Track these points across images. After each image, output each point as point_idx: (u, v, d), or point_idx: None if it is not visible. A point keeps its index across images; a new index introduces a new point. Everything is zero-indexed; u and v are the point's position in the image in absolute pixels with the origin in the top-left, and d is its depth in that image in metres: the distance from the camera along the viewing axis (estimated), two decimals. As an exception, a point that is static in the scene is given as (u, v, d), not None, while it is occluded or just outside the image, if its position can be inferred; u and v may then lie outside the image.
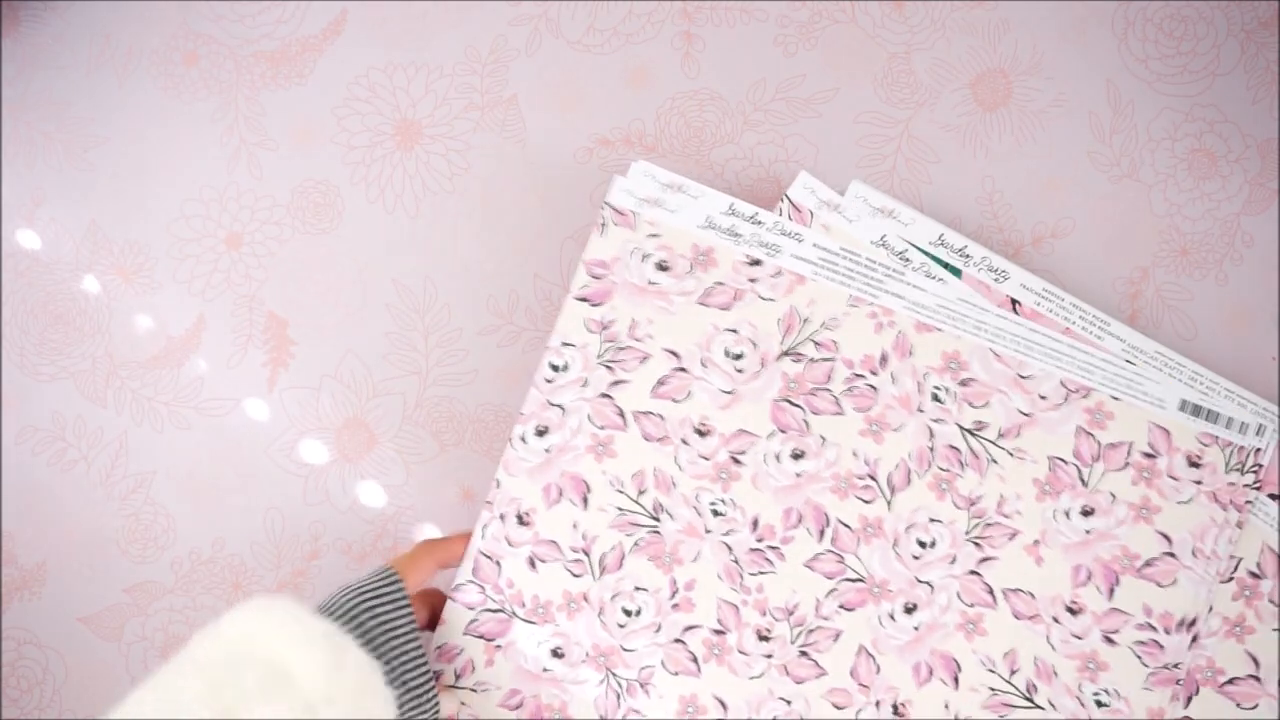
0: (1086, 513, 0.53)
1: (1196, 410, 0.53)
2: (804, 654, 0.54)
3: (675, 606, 0.54)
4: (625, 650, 0.54)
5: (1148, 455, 0.53)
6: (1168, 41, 0.60)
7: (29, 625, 0.65)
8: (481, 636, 0.55)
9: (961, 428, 0.54)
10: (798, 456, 0.54)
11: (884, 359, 0.54)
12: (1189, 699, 0.53)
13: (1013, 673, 0.53)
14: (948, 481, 0.54)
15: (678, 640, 0.54)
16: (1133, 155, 0.60)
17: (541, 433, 0.54)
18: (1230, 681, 0.53)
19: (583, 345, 0.54)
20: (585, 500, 0.54)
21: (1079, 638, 0.53)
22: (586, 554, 0.54)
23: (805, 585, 0.54)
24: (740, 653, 0.54)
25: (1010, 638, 0.53)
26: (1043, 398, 0.53)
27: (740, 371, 0.54)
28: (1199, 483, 0.53)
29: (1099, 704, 0.53)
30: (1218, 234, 0.59)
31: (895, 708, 0.54)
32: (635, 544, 0.54)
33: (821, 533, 0.54)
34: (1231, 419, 0.53)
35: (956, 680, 0.54)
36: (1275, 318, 0.58)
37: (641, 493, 0.54)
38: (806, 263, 0.54)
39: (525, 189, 0.63)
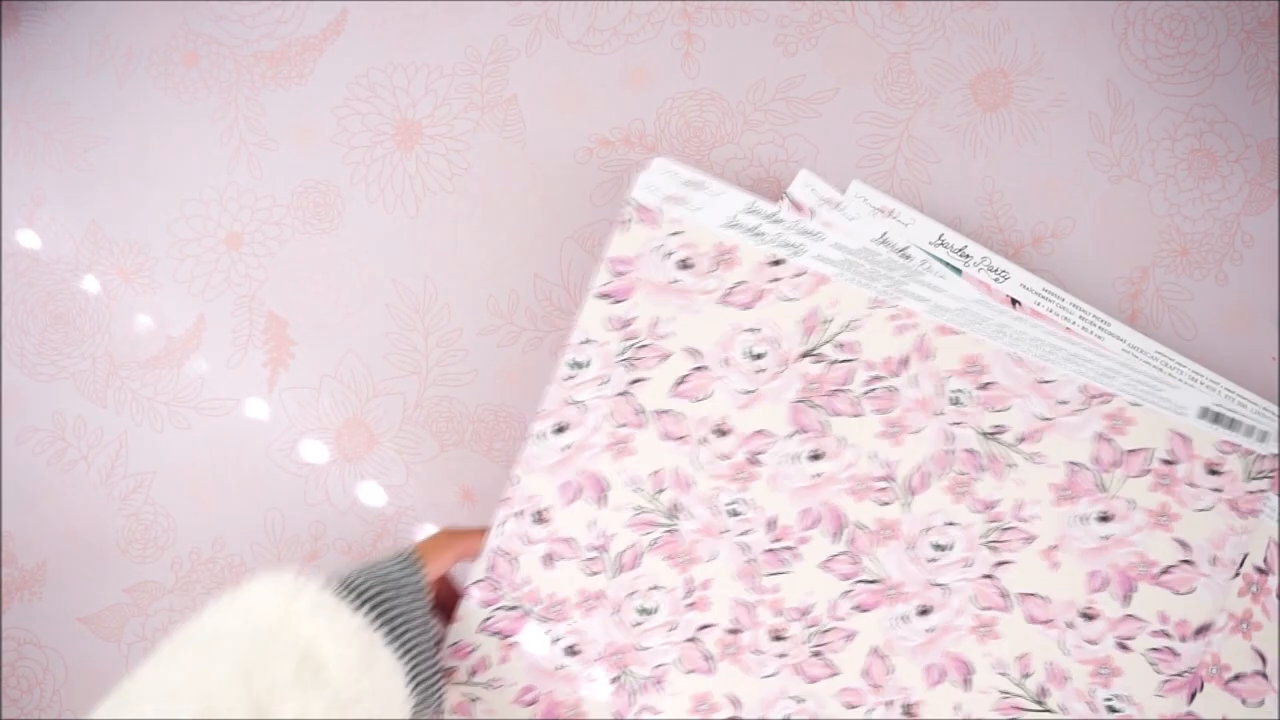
0: (1104, 518, 0.53)
1: (1217, 418, 0.53)
2: (817, 654, 0.54)
3: (690, 605, 0.54)
4: (640, 648, 0.54)
5: (1167, 462, 0.53)
6: (1168, 41, 0.60)
7: (29, 625, 0.65)
8: (496, 633, 0.55)
9: (980, 431, 0.54)
10: (816, 458, 0.54)
11: (905, 361, 0.54)
12: (1193, 695, 0.53)
13: (1025, 676, 0.53)
14: (965, 485, 0.54)
15: (692, 639, 0.54)
16: (1133, 155, 0.60)
17: (560, 430, 0.54)
18: (1236, 678, 0.53)
19: (603, 343, 0.54)
20: (603, 498, 0.54)
21: (1093, 643, 0.53)
22: (603, 552, 0.54)
23: (820, 586, 0.54)
24: (754, 652, 0.54)
25: (1023, 642, 0.53)
26: (1063, 403, 0.53)
27: (761, 372, 0.54)
28: (1218, 490, 0.53)
29: (1111, 710, 0.53)
30: (1218, 234, 0.59)
31: (906, 708, 0.54)
32: (652, 543, 0.54)
33: (838, 534, 0.54)
34: (1253, 427, 0.53)
35: (968, 682, 0.54)
36: (1275, 318, 0.58)
37: (659, 492, 0.54)
38: (829, 263, 0.54)
39: (525, 189, 0.63)
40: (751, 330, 0.54)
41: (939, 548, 0.54)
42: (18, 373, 0.66)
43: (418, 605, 0.48)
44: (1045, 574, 0.53)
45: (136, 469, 0.65)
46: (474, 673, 0.55)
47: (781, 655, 0.54)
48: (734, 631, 0.54)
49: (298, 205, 0.65)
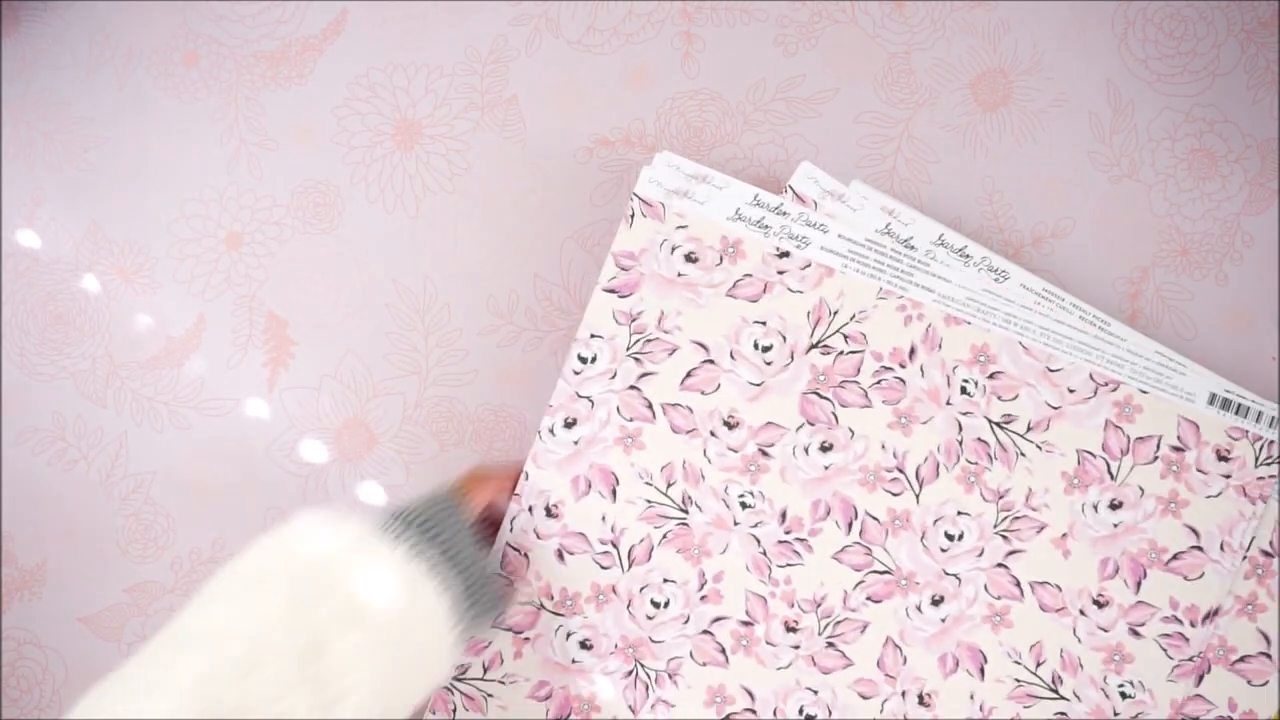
0: (1115, 506, 0.53)
1: (1226, 404, 0.53)
2: (831, 645, 0.54)
3: (703, 598, 0.54)
4: (654, 641, 0.54)
5: (1176, 449, 0.53)
6: (1168, 41, 0.60)
7: (29, 625, 0.65)
8: (510, 629, 0.55)
9: (990, 421, 0.54)
10: (826, 449, 0.54)
11: (913, 352, 0.54)
12: (1200, 677, 0.53)
13: (1038, 664, 0.54)
14: (976, 474, 0.54)
15: (706, 631, 0.54)
16: (1133, 155, 0.60)
17: (570, 425, 0.54)
18: (1242, 659, 0.53)
19: (611, 337, 0.54)
20: (614, 492, 0.54)
21: (1105, 630, 0.53)
22: (615, 546, 0.54)
23: (833, 577, 0.54)
24: (768, 644, 0.54)
25: (1036, 630, 0.53)
26: (1071, 391, 0.53)
27: (769, 364, 0.54)
28: (1228, 476, 0.53)
29: (1124, 696, 0.53)
30: (1218, 234, 0.59)
31: (921, 698, 0.54)
32: (664, 536, 0.54)
33: (850, 525, 0.54)
34: (1261, 413, 0.53)
35: (982, 671, 0.54)
36: (1275, 318, 0.58)
37: (670, 485, 0.54)
38: (835, 255, 0.54)
39: (525, 189, 0.63)
40: (759, 323, 0.54)
41: (951, 537, 0.54)
42: (18, 373, 0.66)
43: (463, 532, 0.48)
44: (1057, 562, 0.53)
45: (136, 469, 0.65)
46: (488, 668, 0.55)
47: (795, 647, 0.54)
48: (747, 623, 0.54)
49: (298, 205, 0.65)
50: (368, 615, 0.41)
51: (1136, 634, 0.53)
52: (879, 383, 0.54)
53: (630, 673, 0.54)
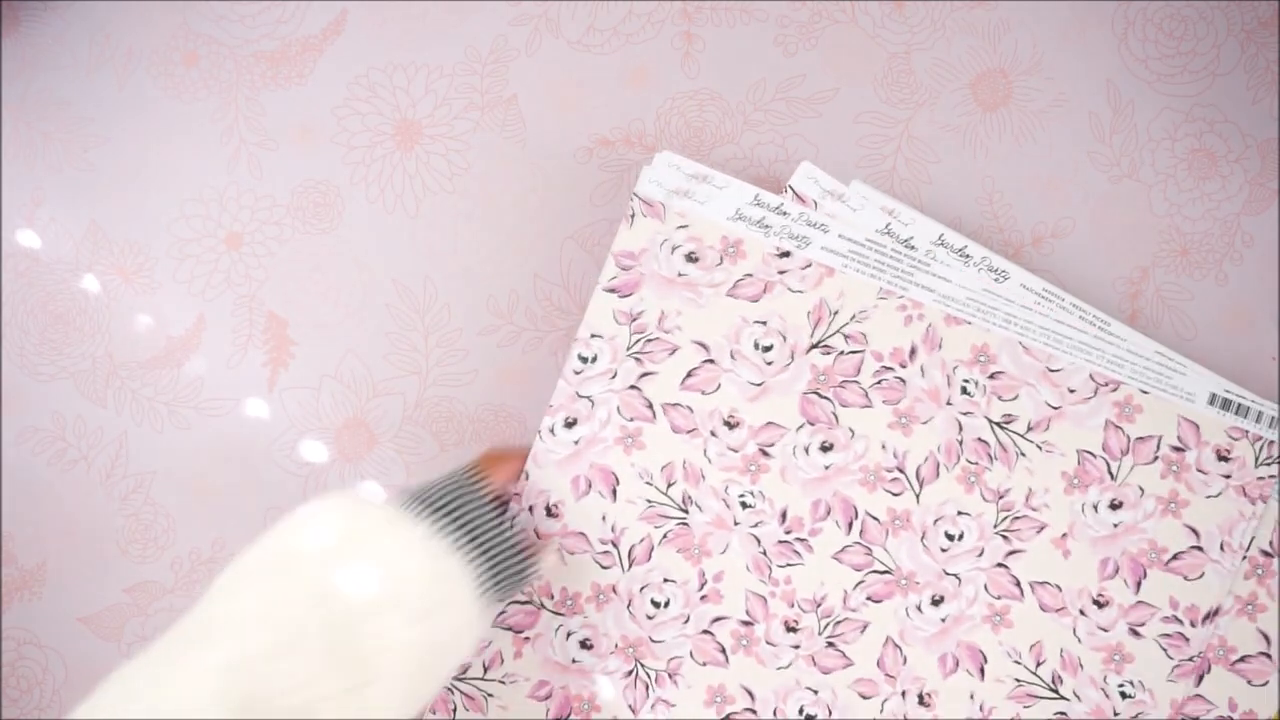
0: (1115, 506, 0.53)
1: (1226, 404, 0.53)
2: (831, 645, 0.54)
3: (704, 598, 0.54)
4: (654, 641, 0.54)
5: (1177, 449, 0.53)
6: (1168, 41, 0.60)
7: (29, 625, 0.65)
8: (510, 628, 0.55)
9: (990, 421, 0.54)
10: (826, 449, 0.54)
11: (913, 352, 0.54)
12: (1200, 677, 0.53)
13: (1038, 664, 0.54)
14: (976, 474, 0.54)
15: (706, 631, 0.54)
16: (1133, 155, 0.60)
17: (570, 424, 0.54)
18: (1242, 659, 0.53)
19: (611, 337, 0.54)
20: (614, 492, 0.54)
21: (1105, 630, 0.53)
22: (615, 546, 0.54)
23: (833, 577, 0.54)
24: (768, 644, 0.54)
25: (1036, 630, 0.53)
26: (1071, 391, 0.53)
27: (769, 364, 0.54)
28: (1228, 477, 0.53)
29: (1124, 696, 0.53)
30: (1218, 234, 0.59)
31: (921, 698, 0.54)
32: (664, 536, 0.54)
33: (850, 525, 0.54)
34: (1261, 413, 0.53)
35: (982, 671, 0.54)
36: (1275, 318, 0.58)
37: (670, 485, 0.54)
38: (836, 255, 0.54)
39: (525, 189, 0.63)
40: (759, 322, 0.54)
41: (951, 537, 0.54)
42: (18, 373, 0.66)
43: (484, 509, 0.48)
44: (1057, 562, 0.53)
45: (136, 469, 0.65)
46: (488, 668, 0.55)
47: (795, 646, 0.54)
48: (747, 623, 0.54)
49: (298, 205, 0.65)
50: (395, 596, 0.40)
51: (1136, 634, 0.53)
52: (879, 383, 0.54)
53: (630, 672, 0.54)
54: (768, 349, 0.54)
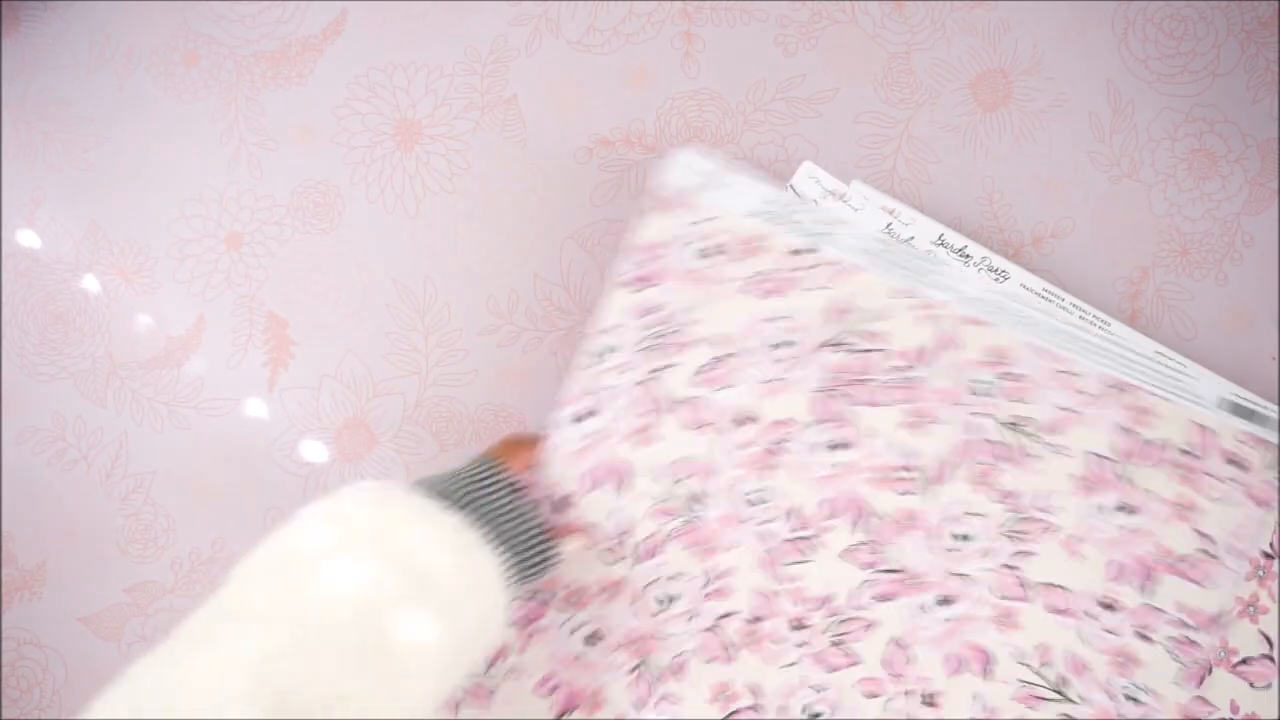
0: (1124, 509, 0.53)
1: (1237, 409, 0.53)
2: (837, 643, 0.54)
3: (711, 594, 0.54)
4: (660, 637, 0.54)
5: (1187, 453, 0.53)
6: (1168, 41, 0.60)
7: (29, 625, 0.65)
8: (515, 622, 0.54)
9: (1002, 422, 0.53)
10: (838, 447, 0.54)
11: (928, 351, 0.54)
12: (1201, 679, 0.53)
13: (1044, 666, 0.53)
14: (987, 475, 0.53)
15: (712, 628, 0.54)
16: (1133, 155, 0.60)
17: (583, 418, 0.54)
18: (1244, 661, 0.53)
19: (628, 330, 0.54)
20: (624, 486, 0.54)
21: (1112, 633, 0.53)
22: (624, 540, 0.54)
23: (841, 575, 0.54)
24: (774, 641, 0.54)
25: (1043, 631, 0.53)
26: (1084, 394, 0.53)
27: (783, 361, 0.54)
28: (1238, 482, 0.53)
29: (1130, 699, 0.53)
30: (1218, 234, 0.59)
31: (926, 698, 0.54)
32: (672, 531, 0.54)
33: (858, 523, 0.54)
34: (1270, 418, 0.53)
35: (988, 672, 0.53)
36: (1275, 318, 0.58)
37: (680, 480, 0.54)
38: (854, 253, 0.54)
39: (525, 189, 0.63)
40: (776, 319, 0.54)
41: (960, 537, 0.54)
42: (18, 373, 0.66)
43: (509, 497, 0.48)
44: (1065, 564, 0.53)
45: (136, 469, 0.65)
46: (493, 662, 0.55)
47: (801, 644, 0.54)
48: (754, 620, 0.54)
49: (298, 205, 0.65)
50: (428, 587, 0.40)
51: (1144, 637, 0.53)
52: (892, 381, 0.54)
53: (636, 668, 0.54)
54: (783, 346, 0.54)
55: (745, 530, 0.54)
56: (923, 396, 0.53)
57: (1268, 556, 0.53)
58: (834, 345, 0.54)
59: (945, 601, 0.54)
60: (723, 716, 0.54)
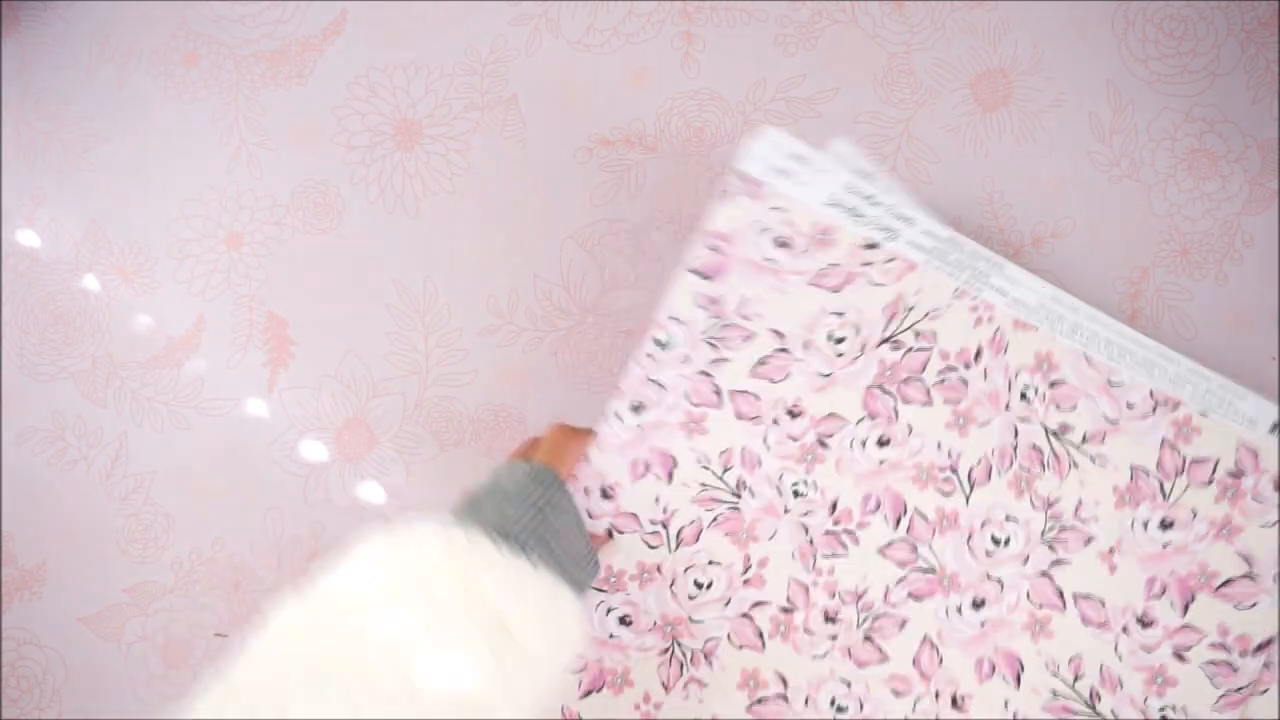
0: (1165, 525, 0.52)
1: None
2: (868, 639, 0.54)
3: (746, 582, 0.54)
4: (693, 621, 0.54)
5: (1233, 474, 0.52)
6: (1168, 41, 0.60)
7: (29, 625, 0.65)
8: None
9: (1046, 428, 0.53)
10: (883, 443, 0.54)
11: (979, 353, 0.53)
12: (1186, 607, 0.52)
13: (1076, 678, 0.53)
14: (1027, 481, 0.53)
15: (745, 615, 0.54)
16: (1133, 155, 0.59)
17: (637, 409, 0.54)
18: (1225, 583, 0.52)
19: (690, 321, 0.53)
20: (670, 475, 0.54)
21: (1149, 650, 0.52)
22: (665, 526, 0.54)
23: (876, 571, 0.54)
24: (806, 632, 0.54)
25: (1077, 643, 0.52)
26: (1130, 406, 0.52)
27: (840, 356, 0.54)
28: None
29: None
30: (1218, 234, 0.59)
31: (954, 700, 0.53)
32: (714, 519, 0.54)
33: (898, 521, 0.54)
34: None
35: (1019, 679, 0.53)
36: (1275, 318, 0.58)
37: (726, 470, 0.54)
38: (920, 250, 0.53)
39: (525, 189, 0.63)
40: (837, 314, 0.53)
41: (997, 541, 0.53)
42: (18, 373, 0.66)
43: (568, 520, 0.47)
44: (1103, 576, 0.52)
45: (136, 469, 0.65)
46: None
47: (833, 637, 0.54)
48: (787, 610, 0.54)
49: (298, 205, 0.65)
50: (512, 641, 0.40)
51: (1181, 658, 0.52)
52: (942, 381, 0.53)
53: (666, 650, 0.54)
54: (841, 340, 0.54)
55: (785, 521, 0.54)
56: (970, 398, 0.53)
57: (1234, 475, 0.51)
58: (891, 342, 0.53)
59: (979, 604, 0.53)
60: (749, 703, 0.54)
